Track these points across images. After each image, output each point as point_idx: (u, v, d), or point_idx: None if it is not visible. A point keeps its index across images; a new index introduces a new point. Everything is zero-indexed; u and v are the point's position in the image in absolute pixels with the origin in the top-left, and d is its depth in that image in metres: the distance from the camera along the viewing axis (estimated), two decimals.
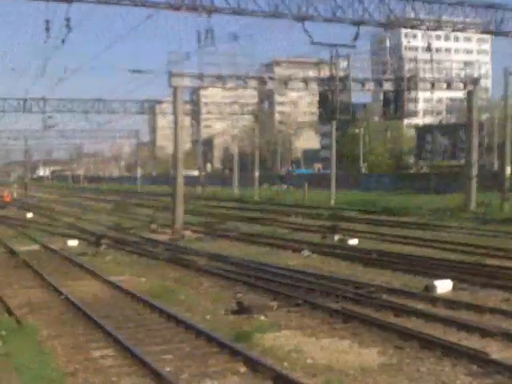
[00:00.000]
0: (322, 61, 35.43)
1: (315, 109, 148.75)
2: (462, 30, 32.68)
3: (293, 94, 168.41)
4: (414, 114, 37.92)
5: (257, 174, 64.75)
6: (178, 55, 33.43)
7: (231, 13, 25.42)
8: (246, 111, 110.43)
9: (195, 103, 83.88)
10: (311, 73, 45.20)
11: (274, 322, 12.69)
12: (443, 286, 14.56)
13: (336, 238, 25.45)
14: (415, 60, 36.34)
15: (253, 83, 34.77)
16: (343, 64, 34.55)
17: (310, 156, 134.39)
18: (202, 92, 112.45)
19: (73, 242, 27.24)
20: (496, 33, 31.31)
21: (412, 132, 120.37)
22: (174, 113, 33.06)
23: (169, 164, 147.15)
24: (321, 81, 35.18)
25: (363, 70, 35.99)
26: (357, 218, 35.08)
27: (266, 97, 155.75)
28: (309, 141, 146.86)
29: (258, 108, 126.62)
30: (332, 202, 49.21)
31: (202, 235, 30.31)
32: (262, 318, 13.08)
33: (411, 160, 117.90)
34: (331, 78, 34.04)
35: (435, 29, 31.31)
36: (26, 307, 14.49)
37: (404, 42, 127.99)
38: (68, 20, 23.24)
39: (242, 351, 10.25)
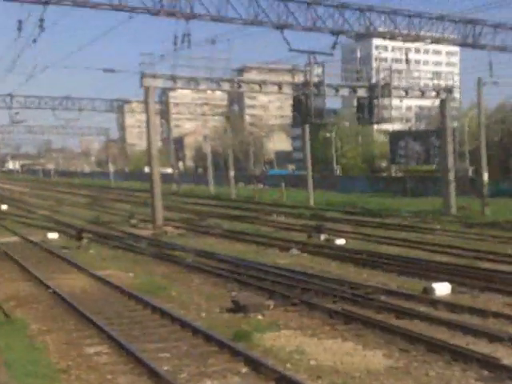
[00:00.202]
0: (295, 67, 35.33)
1: (285, 112, 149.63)
2: (440, 42, 33.06)
3: (263, 99, 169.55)
4: (389, 120, 37.94)
5: (232, 172, 64.37)
6: (151, 57, 32.99)
7: (210, 20, 24.91)
8: (216, 113, 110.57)
9: (164, 103, 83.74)
10: (285, 78, 45.13)
11: (272, 321, 12.35)
12: (441, 289, 14.33)
13: (322, 237, 25.17)
14: (390, 69, 36.45)
15: (226, 86, 34.44)
16: (317, 71, 34.55)
17: (282, 157, 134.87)
18: (172, 93, 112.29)
19: (53, 235, 26.61)
20: (473, 46, 31.60)
21: (382, 137, 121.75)
22: (146, 112, 32.66)
23: (139, 161, 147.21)
24: (295, 86, 35.08)
25: (335, 77, 36.24)
26: (340, 219, 34.80)
27: (236, 100, 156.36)
28: (280, 143, 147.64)
29: (229, 110, 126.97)
30: (311, 202, 49.00)
31: (184, 231, 29.87)
32: (260, 317, 12.73)
33: (383, 164, 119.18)
34: (306, 84, 33.93)
35: (413, 41, 31.61)
36: (13, 300, 13.95)
37: (375, 52, 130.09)
38: (42, 21, 22.56)
39: (242, 351, 9.89)
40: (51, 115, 52.69)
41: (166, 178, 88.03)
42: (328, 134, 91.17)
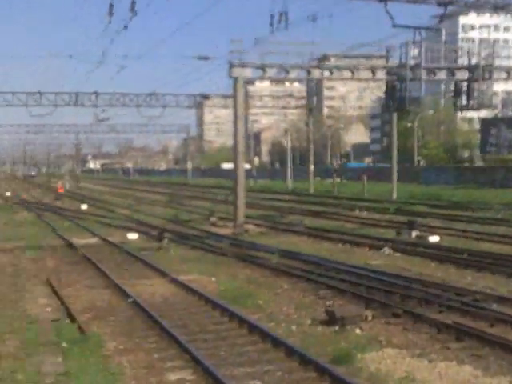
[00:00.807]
0: (390, 48, 33.03)
1: (363, 103, 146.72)
2: None
3: (342, 89, 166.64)
4: (489, 105, 34.85)
5: (312, 167, 62.95)
6: (241, 44, 31.67)
7: None
8: (297, 105, 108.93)
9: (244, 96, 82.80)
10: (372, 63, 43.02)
11: (372, 336, 10.92)
12: None
13: (414, 234, 23.45)
14: (492, 46, 33.76)
15: (317, 73, 32.74)
16: (413, 52, 32.51)
17: (359, 150, 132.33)
18: (251, 87, 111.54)
19: (132, 236, 25.96)
20: None
21: (466, 126, 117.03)
22: (234, 105, 31.37)
23: (216, 157, 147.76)
24: (390, 70, 33.00)
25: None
26: (428, 213, 32.89)
27: (315, 92, 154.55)
28: (358, 135, 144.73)
29: (307, 102, 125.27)
30: (394, 196, 46.98)
31: (265, 229, 28.73)
32: (357, 330, 11.32)
33: (466, 154, 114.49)
34: (401, 66, 31.97)
35: None
36: (89, 312, 13.04)
37: (461, 33, 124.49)
38: (134, 3, 21.66)
39: (347, 380, 8.42)
40: (135, 112, 52.39)
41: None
42: (409, 124, 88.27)
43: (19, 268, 19.06)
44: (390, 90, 33.45)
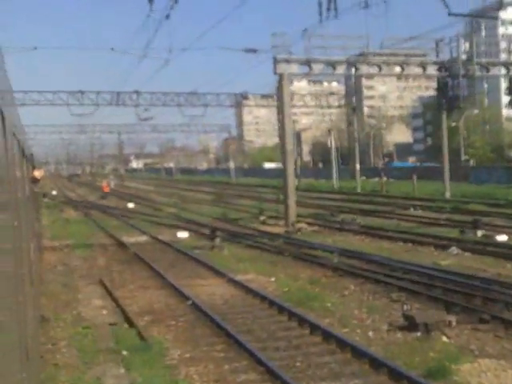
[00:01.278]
0: (440, 42, 31.48)
1: (403, 103, 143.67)
2: None
3: (382, 88, 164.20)
4: None
5: (358, 165, 61.67)
6: (284, 37, 30.48)
7: None
8: (340, 104, 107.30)
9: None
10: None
11: (462, 345, 9.82)
12: None
13: (479, 233, 22.11)
14: None
15: (364, 68, 31.40)
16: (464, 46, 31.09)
17: (401, 150, 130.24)
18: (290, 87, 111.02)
19: (183, 234, 25.22)
20: None
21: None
22: (280, 102, 30.38)
23: (257, 157, 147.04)
24: (440, 65, 31.52)
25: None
26: (488, 212, 31.32)
27: (354, 91, 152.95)
28: (399, 134, 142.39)
29: (347, 102, 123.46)
30: (447, 195, 45.35)
31: (318, 228, 27.67)
32: (444, 338, 10.22)
33: None
34: (453, 61, 30.56)
35: None
36: (147, 315, 12.21)
37: (501, 29, 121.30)
38: None
39: None
40: (177, 112, 51.74)
41: (282, 174, 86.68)
42: (454, 123, 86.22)
43: (70, 267, 18.45)
44: (442, 88, 32.07)
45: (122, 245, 22.81)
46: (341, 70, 30.38)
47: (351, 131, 70.52)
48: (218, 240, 21.68)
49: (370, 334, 10.65)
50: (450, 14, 23.67)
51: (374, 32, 29.68)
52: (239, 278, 15.46)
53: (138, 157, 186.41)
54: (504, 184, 54.50)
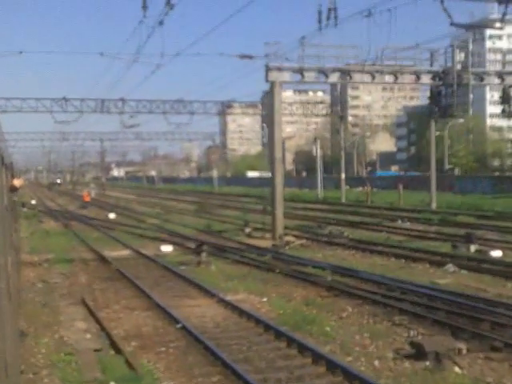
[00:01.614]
0: (434, 52, 31.13)
1: (388, 112, 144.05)
2: None
3: (367, 98, 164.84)
4: None
5: (343, 175, 61.06)
6: (276, 46, 29.99)
7: None
8: (326, 113, 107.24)
9: (265, 106, 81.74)
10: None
11: (477, 376, 9.14)
12: None
13: (472, 248, 21.57)
14: None
15: (357, 77, 30.94)
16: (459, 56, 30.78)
17: (385, 158, 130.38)
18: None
19: (167, 248, 24.40)
20: None
21: (496, 135, 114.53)
22: (271, 110, 29.82)
23: (240, 166, 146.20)
24: (435, 74, 31.18)
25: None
26: (477, 224, 30.87)
27: (338, 101, 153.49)
28: (383, 143, 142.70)
29: (331, 111, 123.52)
30: (433, 206, 44.97)
31: (306, 241, 26.96)
32: (456, 369, 9.52)
33: (495, 163, 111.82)
34: (447, 71, 30.25)
35: None
36: (134, 339, 11.39)
37: (488, 43, 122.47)
38: None
39: None
40: (162, 120, 50.68)
41: (267, 182, 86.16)
42: (438, 132, 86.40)
43: (50, 285, 17.52)
44: (436, 96, 31.77)
45: (103, 259, 21.92)
46: (334, 78, 29.88)
47: (338, 140, 70.15)
48: (203, 255, 20.88)
49: (376, 363, 9.93)
50: (451, 24, 23.27)
51: (375, 41, 29.21)
52: (230, 298, 14.69)
53: (119, 165, 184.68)
54: (489, 194, 54.32)
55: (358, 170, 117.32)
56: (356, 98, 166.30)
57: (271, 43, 29.46)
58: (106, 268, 20.34)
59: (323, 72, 29.89)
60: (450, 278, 16.89)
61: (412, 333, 11.02)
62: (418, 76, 30.99)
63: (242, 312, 13.15)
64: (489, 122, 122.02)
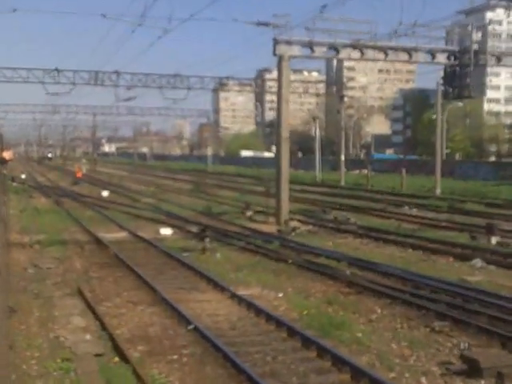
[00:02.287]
0: (451, 30, 29.62)
1: (384, 94, 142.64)
2: None
3: (362, 79, 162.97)
4: None
5: (343, 157, 59.63)
6: (285, 18, 28.32)
7: None
8: (324, 93, 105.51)
9: (259, 85, 80.00)
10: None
11: None
12: None
13: (493, 240, 20.25)
14: None
15: (370, 53, 29.40)
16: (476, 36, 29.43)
17: (380, 141, 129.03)
18: (268, 75, 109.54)
19: (166, 231, 22.97)
20: None
21: (493, 119, 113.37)
22: (278, 86, 28.26)
23: (233, 144, 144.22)
24: (450, 53, 29.74)
25: None
26: (488, 213, 29.51)
27: (334, 81, 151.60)
28: (378, 125, 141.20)
29: (327, 91, 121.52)
30: (438, 192, 43.65)
31: (312, 227, 25.59)
32: None
33: (492, 148, 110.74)
34: (464, 51, 28.86)
35: None
36: (141, 343, 9.95)
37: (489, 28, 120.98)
38: None
39: None
40: (158, 94, 48.71)
41: (264, 162, 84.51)
42: (434, 116, 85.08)
43: (42, 271, 16.02)
44: (450, 76, 30.40)
45: (99, 242, 20.44)
46: (345, 54, 28.35)
47: (333, 121, 68.75)
48: (207, 240, 19.40)
49: (424, 380, 8.56)
50: None
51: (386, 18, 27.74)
52: (242, 292, 13.28)
53: (110, 140, 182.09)
54: (491, 180, 53.06)
55: (352, 152, 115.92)
56: (352, 79, 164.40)
57: (280, 15, 27.84)
58: (102, 252, 18.88)
59: (334, 47, 28.39)
60: (479, 274, 15.52)
61: (463, 345, 9.63)
62: (433, 55, 29.56)
63: (258, 311, 11.74)
64: (486, 107, 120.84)
